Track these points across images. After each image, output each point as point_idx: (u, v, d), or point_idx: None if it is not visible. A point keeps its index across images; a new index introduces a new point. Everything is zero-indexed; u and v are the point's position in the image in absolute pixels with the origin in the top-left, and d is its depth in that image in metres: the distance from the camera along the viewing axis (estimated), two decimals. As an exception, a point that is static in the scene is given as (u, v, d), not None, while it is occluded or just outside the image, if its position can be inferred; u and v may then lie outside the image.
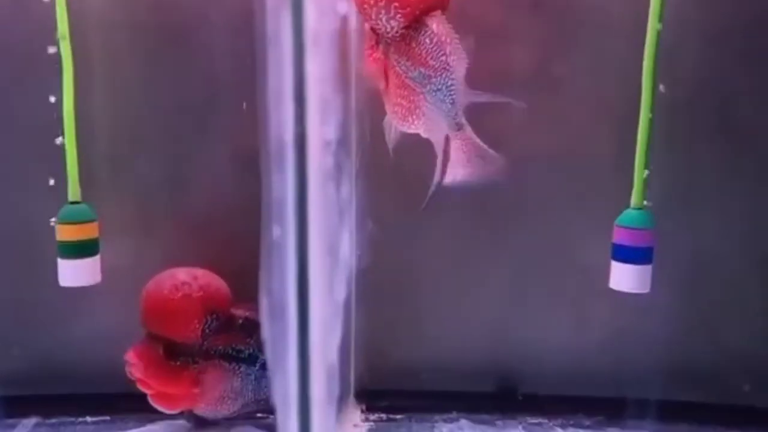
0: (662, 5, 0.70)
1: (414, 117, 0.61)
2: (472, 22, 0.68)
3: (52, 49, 0.72)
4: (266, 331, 0.40)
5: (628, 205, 0.75)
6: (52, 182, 0.75)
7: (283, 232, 0.38)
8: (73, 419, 0.79)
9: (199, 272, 0.75)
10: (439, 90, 0.60)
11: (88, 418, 0.79)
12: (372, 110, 0.62)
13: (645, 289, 0.75)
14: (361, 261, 0.72)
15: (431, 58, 0.59)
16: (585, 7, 0.77)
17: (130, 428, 0.77)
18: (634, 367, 0.83)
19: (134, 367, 0.71)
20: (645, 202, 0.74)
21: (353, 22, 0.49)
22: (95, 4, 0.76)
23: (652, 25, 0.71)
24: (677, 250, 0.79)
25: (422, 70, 0.59)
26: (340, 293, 0.39)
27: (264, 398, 0.74)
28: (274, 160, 0.38)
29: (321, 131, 0.37)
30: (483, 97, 0.63)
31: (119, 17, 0.78)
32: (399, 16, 0.57)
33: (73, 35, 0.73)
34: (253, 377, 0.74)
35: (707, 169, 0.80)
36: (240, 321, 0.75)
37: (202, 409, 0.74)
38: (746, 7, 0.77)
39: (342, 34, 0.40)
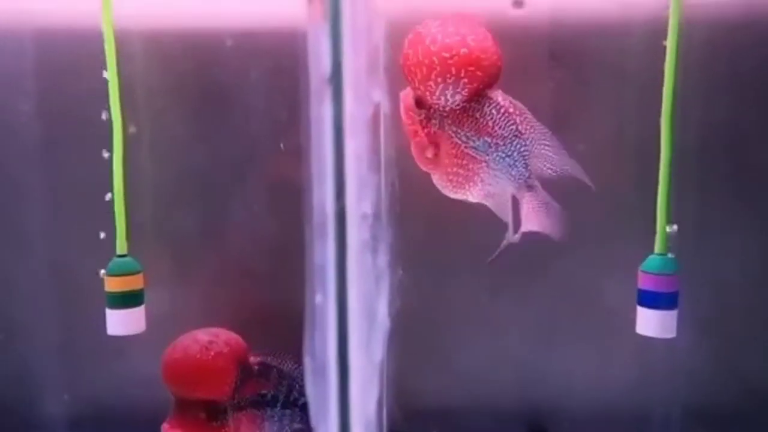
0: (677, 58, 0.73)
1: (472, 184, 0.67)
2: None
3: (104, 115, 0.77)
4: (309, 389, 0.43)
5: (651, 251, 0.77)
6: (103, 235, 0.80)
7: (324, 298, 0.42)
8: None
9: (215, 330, 0.79)
10: (509, 156, 0.65)
11: (131, 463, 0.82)
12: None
13: (671, 334, 0.76)
14: (391, 307, 0.75)
15: (499, 128, 0.64)
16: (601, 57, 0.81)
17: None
18: (659, 409, 0.84)
19: None
20: (669, 254, 0.76)
21: (386, 107, 0.53)
22: (142, 70, 0.82)
23: (668, 80, 0.74)
24: (697, 290, 0.80)
25: (487, 139, 0.65)
26: (377, 354, 0.42)
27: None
28: (317, 232, 0.42)
29: (358, 206, 0.41)
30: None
31: (164, 81, 0.83)
32: (465, 91, 0.62)
33: (123, 100, 0.78)
34: (276, 417, 0.77)
35: (723, 209, 0.82)
36: (256, 367, 0.78)
37: None
38: (759, 50, 0.80)
39: (376, 118, 0.44)
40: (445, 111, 0.65)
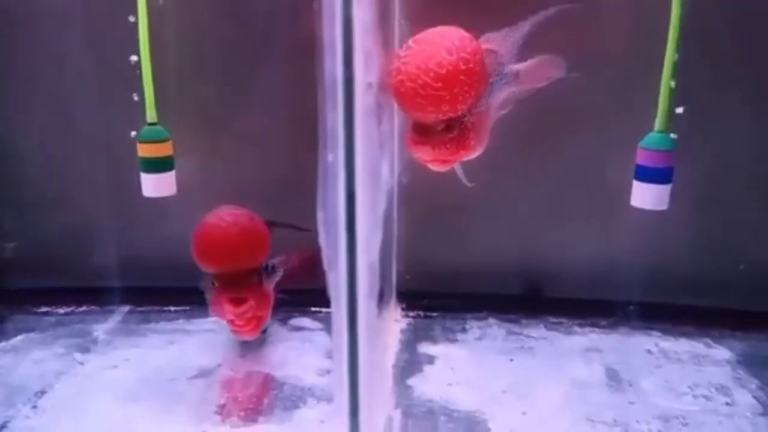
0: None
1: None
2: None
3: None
4: (322, 238, 0.50)
5: (651, 128, 0.81)
6: (135, 97, 0.85)
7: (335, 158, 0.48)
8: (158, 308, 0.93)
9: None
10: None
11: (171, 308, 0.93)
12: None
13: (663, 206, 0.82)
14: (403, 177, 0.81)
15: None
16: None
17: (205, 317, 0.90)
18: (649, 275, 0.91)
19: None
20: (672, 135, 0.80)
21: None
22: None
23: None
24: (694, 170, 0.85)
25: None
26: (381, 207, 0.48)
27: None
28: (329, 98, 0.47)
29: (364, 75, 0.46)
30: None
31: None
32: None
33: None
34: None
35: (725, 93, 0.85)
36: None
37: None
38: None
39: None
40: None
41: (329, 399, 0.73)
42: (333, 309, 0.52)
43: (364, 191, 0.48)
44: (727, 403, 0.73)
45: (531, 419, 0.70)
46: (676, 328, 0.89)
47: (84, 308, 0.93)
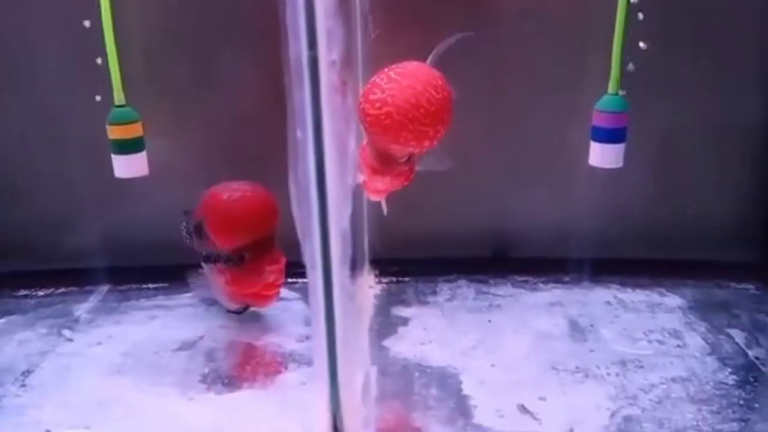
0: None
1: None
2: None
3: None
4: (295, 211, 0.53)
5: (606, 91, 0.85)
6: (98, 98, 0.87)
7: (303, 134, 0.50)
8: (138, 286, 0.95)
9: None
10: None
11: (150, 285, 0.95)
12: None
13: (618, 164, 0.87)
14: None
15: None
16: None
17: (184, 293, 0.93)
18: (607, 231, 0.96)
19: None
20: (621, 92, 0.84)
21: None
22: None
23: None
24: (650, 127, 0.90)
25: None
26: (349, 179, 0.51)
27: None
28: (295, 77, 0.50)
29: (328, 54, 0.48)
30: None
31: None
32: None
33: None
34: None
35: (675, 51, 0.89)
36: None
37: None
38: None
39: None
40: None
41: (309, 363, 0.76)
42: (309, 277, 0.55)
43: (332, 164, 0.51)
44: (679, 346, 0.79)
45: (499, 370, 0.75)
46: (633, 280, 0.94)
47: (63, 290, 0.95)
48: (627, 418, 0.67)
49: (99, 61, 0.86)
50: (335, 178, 0.51)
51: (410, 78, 0.65)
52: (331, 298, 0.55)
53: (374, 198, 0.75)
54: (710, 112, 0.91)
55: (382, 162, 0.69)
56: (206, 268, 0.84)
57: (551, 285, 0.95)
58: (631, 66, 0.85)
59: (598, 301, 0.90)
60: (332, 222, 0.53)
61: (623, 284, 0.94)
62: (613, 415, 0.67)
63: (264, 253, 0.79)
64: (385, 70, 0.67)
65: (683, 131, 0.93)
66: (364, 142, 0.72)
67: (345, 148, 0.51)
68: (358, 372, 0.65)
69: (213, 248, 0.80)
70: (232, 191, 0.79)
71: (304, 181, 0.52)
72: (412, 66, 0.67)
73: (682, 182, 0.95)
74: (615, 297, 0.91)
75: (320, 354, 0.57)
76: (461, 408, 0.69)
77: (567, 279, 0.96)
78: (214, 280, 0.83)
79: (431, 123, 0.64)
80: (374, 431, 0.62)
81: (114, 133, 0.88)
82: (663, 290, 0.92)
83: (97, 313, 0.89)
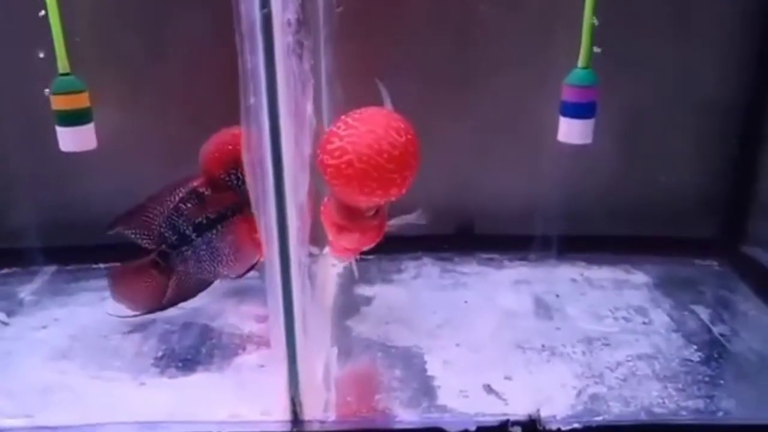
0: None
1: None
2: None
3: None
4: (249, 181, 0.50)
5: (574, 66, 0.83)
6: (42, 55, 0.81)
7: (257, 100, 0.47)
8: (87, 266, 0.90)
9: None
10: None
11: (101, 265, 0.91)
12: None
13: (588, 140, 0.85)
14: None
15: None
16: None
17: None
18: (574, 208, 0.95)
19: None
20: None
21: None
22: None
23: None
24: (617, 104, 0.88)
25: None
26: (306, 148, 0.48)
27: None
28: (247, 39, 0.46)
29: (283, 14, 0.45)
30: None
31: None
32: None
33: None
34: None
35: (643, 27, 0.87)
36: None
37: None
38: None
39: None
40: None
41: (268, 344, 0.73)
42: (265, 252, 0.52)
43: (288, 132, 0.48)
44: (644, 323, 0.78)
45: (464, 350, 0.73)
46: (599, 257, 0.93)
47: (6, 270, 0.89)
48: (593, 397, 0.65)
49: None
50: (291, 147, 0.48)
51: (369, 123, 0.60)
52: (289, 276, 0.52)
53: (343, 259, 0.69)
54: (677, 88, 0.90)
55: (348, 217, 0.64)
56: (216, 234, 0.76)
57: (517, 262, 0.93)
58: (598, 49, 0.83)
59: (564, 278, 0.89)
60: (288, 195, 0.49)
61: (589, 261, 0.93)
62: (579, 393, 0.66)
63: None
64: (342, 117, 0.62)
65: (650, 107, 0.91)
66: (326, 198, 0.66)
67: (302, 114, 0.48)
68: (319, 353, 0.63)
69: (227, 201, 0.75)
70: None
71: (257, 148, 0.49)
72: (370, 111, 0.62)
73: (648, 158, 0.94)
74: (581, 274, 0.90)
75: (278, 335, 0.55)
76: (425, 389, 0.67)
77: (533, 256, 0.94)
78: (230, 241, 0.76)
79: (397, 168, 0.60)
80: (334, 415, 0.60)
81: (58, 103, 0.82)
82: (629, 267, 0.91)
83: (43, 295, 0.84)
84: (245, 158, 0.49)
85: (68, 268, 0.90)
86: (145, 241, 0.77)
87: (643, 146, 0.94)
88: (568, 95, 0.84)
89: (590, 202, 0.95)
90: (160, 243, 0.76)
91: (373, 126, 0.60)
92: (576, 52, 0.82)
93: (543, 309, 0.81)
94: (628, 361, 0.71)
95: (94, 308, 0.81)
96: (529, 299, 0.84)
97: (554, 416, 0.61)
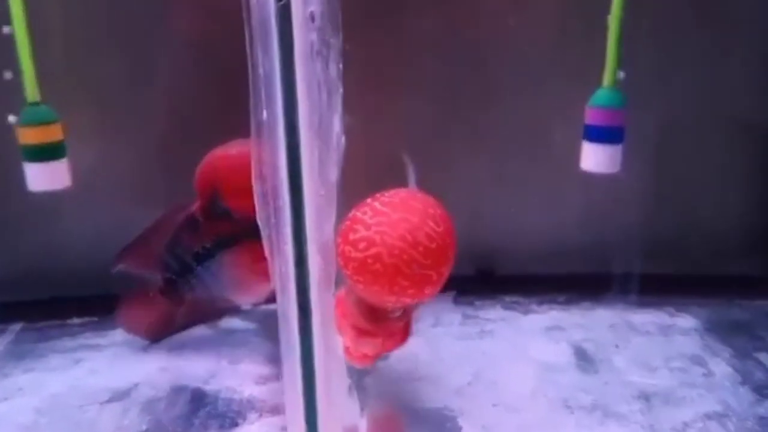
0: None
1: None
2: None
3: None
4: (260, 213, 0.40)
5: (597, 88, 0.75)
6: (9, 75, 0.71)
7: (271, 114, 0.37)
8: (59, 322, 0.79)
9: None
10: None
11: (75, 320, 0.79)
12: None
13: (615, 168, 0.76)
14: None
15: None
16: None
17: (117, 328, 0.77)
18: (604, 244, 0.86)
19: None
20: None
21: None
22: None
23: None
24: (645, 127, 0.80)
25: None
26: (333, 173, 0.38)
27: None
28: (258, 39, 0.37)
29: (305, 5, 0.36)
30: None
31: None
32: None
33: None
34: None
35: (675, 46, 0.80)
36: None
37: None
38: None
39: None
40: None
41: (274, 410, 0.62)
42: (279, 302, 0.42)
43: (311, 151, 0.38)
44: (705, 375, 0.68)
45: (503, 411, 0.63)
46: (637, 299, 0.84)
47: (-37, 330, 0.78)
48: (665, 466, 0.55)
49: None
50: (314, 170, 0.38)
51: (402, 209, 0.50)
52: (309, 330, 0.42)
53: (360, 366, 0.58)
54: (714, 108, 0.83)
55: (371, 319, 0.53)
56: (216, 264, 0.70)
57: (546, 306, 0.84)
58: (622, 74, 0.75)
59: (601, 323, 0.79)
60: (311, 233, 0.39)
61: (627, 303, 0.83)
62: (648, 462, 0.56)
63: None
64: (368, 201, 0.52)
65: (683, 129, 0.84)
66: (342, 291, 0.55)
67: (328, 129, 0.38)
68: (340, 423, 0.51)
69: (223, 230, 0.68)
70: (238, 145, 0.66)
71: (273, 178, 0.39)
72: (401, 194, 0.52)
73: (683, 187, 0.86)
74: (620, 318, 0.80)
75: (294, 401, 0.44)
76: (466, 462, 0.56)
77: (562, 299, 0.85)
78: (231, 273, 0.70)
79: (434, 264, 0.50)
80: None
81: (27, 136, 0.72)
82: (672, 309, 0.82)
83: (6, 359, 0.72)
84: (256, 188, 0.39)
85: (37, 325, 0.78)
86: (150, 273, 0.72)
87: (677, 173, 0.85)
88: (592, 118, 0.76)
89: (621, 236, 0.87)
90: (165, 271, 0.72)
91: (407, 213, 0.50)
92: (592, 76, 0.74)
93: (585, 360, 0.71)
94: (697, 421, 0.61)
95: (66, 373, 0.69)
96: (567, 348, 0.74)
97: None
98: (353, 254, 0.48)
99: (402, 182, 0.58)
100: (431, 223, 0.50)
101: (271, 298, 0.71)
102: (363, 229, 0.49)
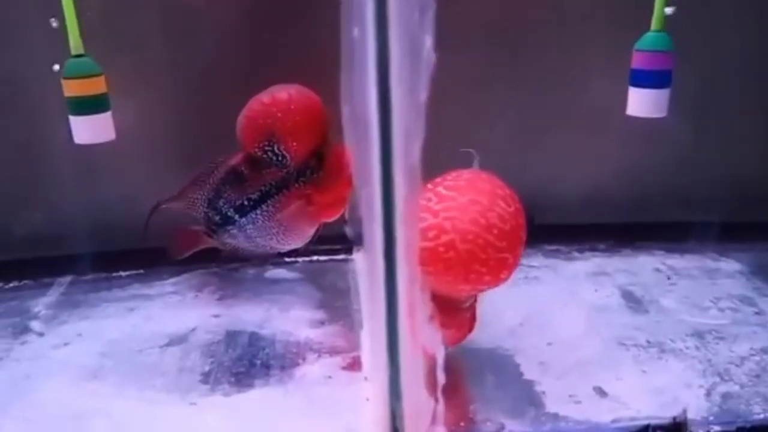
0: None
1: None
2: None
3: None
4: (348, 137, 0.40)
5: (639, 37, 0.74)
6: (55, 24, 0.71)
7: (362, 31, 0.37)
8: (106, 275, 0.79)
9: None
10: None
11: (122, 273, 0.80)
12: None
13: (663, 113, 0.76)
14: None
15: None
16: None
17: (165, 279, 0.78)
18: (642, 194, 0.86)
19: None
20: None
21: None
22: None
23: None
24: (686, 77, 0.79)
25: None
26: (423, 93, 0.38)
27: None
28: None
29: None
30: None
31: None
32: None
33: None
34: None
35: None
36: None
37: None
38: None
39: None
40: None
41: (332, 351, 0.63)
42: (365, 231, 0.42)
43: (400, 73, 0.38)
44: (756, 313, 0.69)
45: (559, 349, 0.63)
46: (677, 245, 0.84)
47: (15, 284, 0.78)
48: (726, 396, 0.56)
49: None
50: (404, 94, 0.38)
51: (470, 191, 0.48)
52: (393, 260, 0.42)
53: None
54: (758, 57, 0.82)
55: (442, 311, 0.48)
56: (261, 214, 0.70)
57: (588, 253, 0.84)
58: (670, 10, 0.74)
59: (645, 268, 0.80)
60: (397, 157, 0.39)
61: (668, 250, 0.84)
62: (708, 393, 0.56)
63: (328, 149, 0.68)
64: (430, 186, 0.49)
65: (727, 78, 0.83)
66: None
67: (418, 52, 0.38)
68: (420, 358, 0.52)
69: (271, 176, 0.68)
70: (284, 89, 0.67)
71: (360, 101, 0.39)
72: (466, 175, 0.50)
73: (723, 137, 0.85)
74: (663, 263, 0.81)
75: (378, 336, 0.44)
76: (528, 395, 0.57)
77: (603, 246, 0.85)
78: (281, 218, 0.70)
79: (509, 246, 0.47)
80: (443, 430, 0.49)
81: (72, 89, 0.72)
82: (715, 255, 0.82)
83: (61, 308, 0.73)
84: (344, 109, 0.39)
85: (85, 277, 0.79)
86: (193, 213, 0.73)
87: (715, 123, 0.85)
88: (639, 62, 0.75)
89: (660, 185, 0.87)
90: (207, 223, 0.72)
91: (476, 195, 0.48)
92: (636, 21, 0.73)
93: (634, 302, 0.72)
94: (753, 355, 0.61)
95: (122, 320, 0.70)
96: (614, 291, 0.74)
97: (706, 418, 0.51)
98: (422, 244, 0.45)
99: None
100: (502, 204, 0.48)
101: (312, 244, 0.73)
102: (430, 217, 0.47)
